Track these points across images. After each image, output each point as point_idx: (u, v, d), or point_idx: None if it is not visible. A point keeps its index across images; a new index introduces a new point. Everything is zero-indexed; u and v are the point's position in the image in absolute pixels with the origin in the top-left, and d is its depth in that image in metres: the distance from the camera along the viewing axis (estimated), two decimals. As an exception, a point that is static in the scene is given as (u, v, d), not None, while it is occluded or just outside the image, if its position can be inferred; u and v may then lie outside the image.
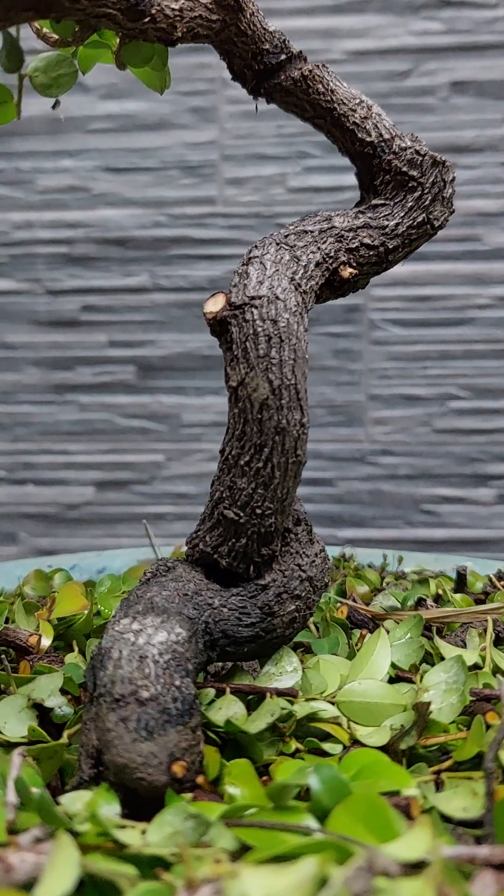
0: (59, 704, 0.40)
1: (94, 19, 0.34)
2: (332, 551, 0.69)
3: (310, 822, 0.30)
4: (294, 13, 0.97)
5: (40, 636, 0.45)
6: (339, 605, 0.51)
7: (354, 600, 0.53)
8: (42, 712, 0.40)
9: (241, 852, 0.29)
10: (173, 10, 0.36)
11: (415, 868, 0.27)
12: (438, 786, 0.35)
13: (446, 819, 0.32)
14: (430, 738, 0.36)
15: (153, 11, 0.35)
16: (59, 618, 0.47)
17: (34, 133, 0.97)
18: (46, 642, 0.46)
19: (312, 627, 0.50)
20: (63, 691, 0.41)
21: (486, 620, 0.46)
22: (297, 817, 0.30)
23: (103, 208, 1.01)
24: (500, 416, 0.99)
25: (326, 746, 0.38)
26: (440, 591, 0.52)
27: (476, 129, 0.97)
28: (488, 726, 0.36)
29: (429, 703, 0.36)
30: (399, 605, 0.52)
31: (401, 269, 1.04)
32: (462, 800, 0.32)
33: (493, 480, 1.00)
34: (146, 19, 0.35)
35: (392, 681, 0.43)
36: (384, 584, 0.58)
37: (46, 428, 1.04)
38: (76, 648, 0.46)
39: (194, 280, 1.01)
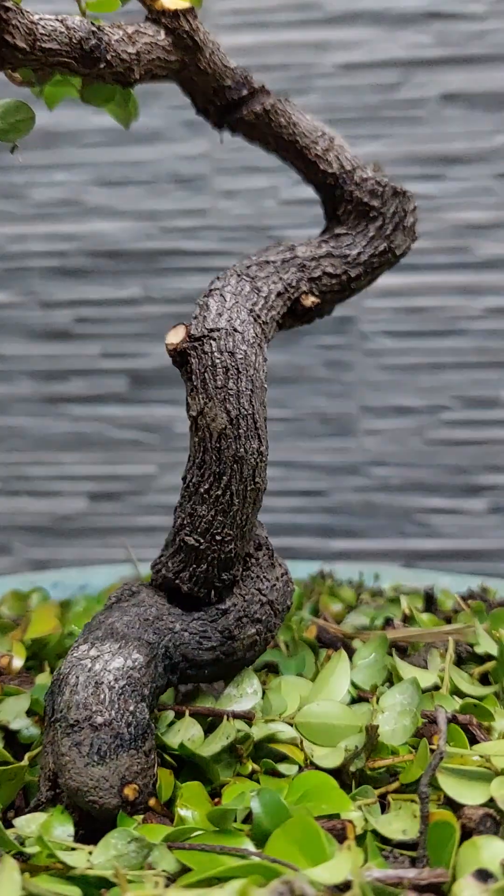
0: (24, 726, 0.41)
1: (50, 67, 0.35)
2: (314, 566, 0.70)
3: (247, 845, 0.31)
4: (285, 26, 0.97)
5: (12, 657, 0.46)
6: (309, 623, 0.52)
7: (326, 619, 0.54)
8: (9, 733, 0.41)
9: (182, 874, 0.30)
10: (129, 53, 0.37)
11: (342, 890, 0.28)
12: (385, 807, 0.36)
13: (387, 841, 0.33)
14: (378, 761, 0.37)
15: (108, 57, 0.36)
16: (32, 638, 0.48)
17: (27, 146, 0.99)
18: (19, 663, 0.47)
19: (282, 646, 0.51)
20: (31, 712, 0.43)
21: (448, 641, 0.47)
22: (236, 840, 0.31)
23: (96, 221, 1.02)
24: (492, 427, 1.00)
25: (282, 768, 0.39)
26: (408, 611, 0.53)
27: (466, 140, 0.97)
28: (433, 749, 0.36)
29: (377, 727, 0.37)
30: (368, 624, 0.53)
31: (392, 281, 1.04)
32: (402, 822, 0.33)
33: (485, 491, 1.01)
34: (102, 65, 0.36)
35: (354, 701, 0.44)
36: (359, 602, 0.59)
37: (40, 439, 1.05)
38: (48, 669, 0.47)
39: (186, 292, 1.02)
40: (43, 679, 0.46)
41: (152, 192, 1.01)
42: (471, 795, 0.33)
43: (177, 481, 1.05)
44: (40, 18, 0.34)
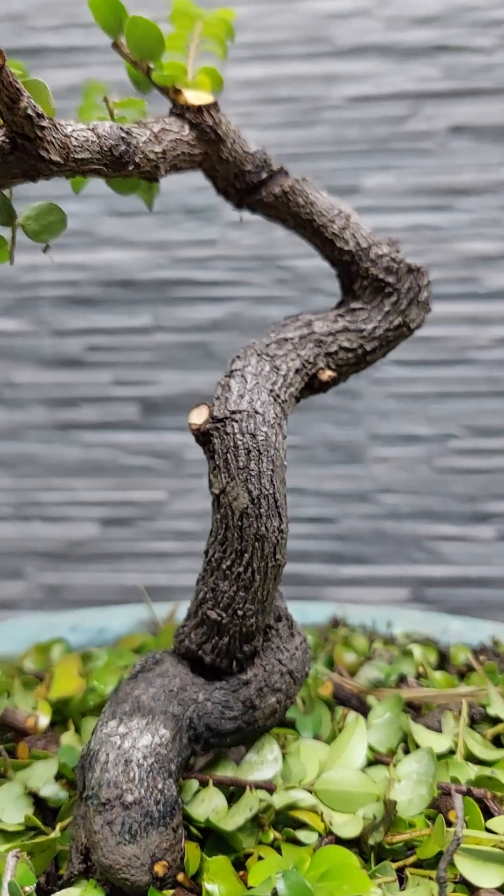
0: (54, 793, 0.42)
1: (82, 174, 0.36)
2: (327, 608, 0.71)
3: (275, 931, 0.32)
4: (294, 59, 0.98)
5: (38, 717, 0.48)
6: (325, 678, 0.54)
7: (341, 673, 0.56)
8: (38, 797, 0.43)
9: None
10: (156, 153, 0.39)
11: None
12: (403, 881, 0.37)
13: (406, 921, 0.34)
14: (396, 835, 0.38)
15: (137, 159, 0.37)
16: (56, 697, 0.50)
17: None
18: (45, 721, 0.48)
19: (299, 702, 0.53)
20: (59, 775, 0.44)
21: (461, 702, 0.48)
22: (265, 926, 0.33)
23: (108, 251, 1.03)
24: (500, 456, 1.01)
25: (302, 836, 0.40)
26: (422, 668, 0.54)
27: (474, 172, 0.99)
28: (449, 824, 0.38)
29: (395, 802, 0.38)
30: (383, 679, 0.55)
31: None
32: (421, 903, 0.35)
33: (493, 519, 1.02)
34: (130, 167, 0.37)
35: (371, 763, 0.46)
36: (373, 652, 0.60)
37: (52, 466, 1.07)
38: (72, 727, 0.49)
39: (197, 321, 1.04)
40: (68, 738, 0.48)
41: (163, 223, 1.03)
42: (487, 878, 0.34)
43: (187, 507, 1.06)
44: (73, 130, 0.35)
